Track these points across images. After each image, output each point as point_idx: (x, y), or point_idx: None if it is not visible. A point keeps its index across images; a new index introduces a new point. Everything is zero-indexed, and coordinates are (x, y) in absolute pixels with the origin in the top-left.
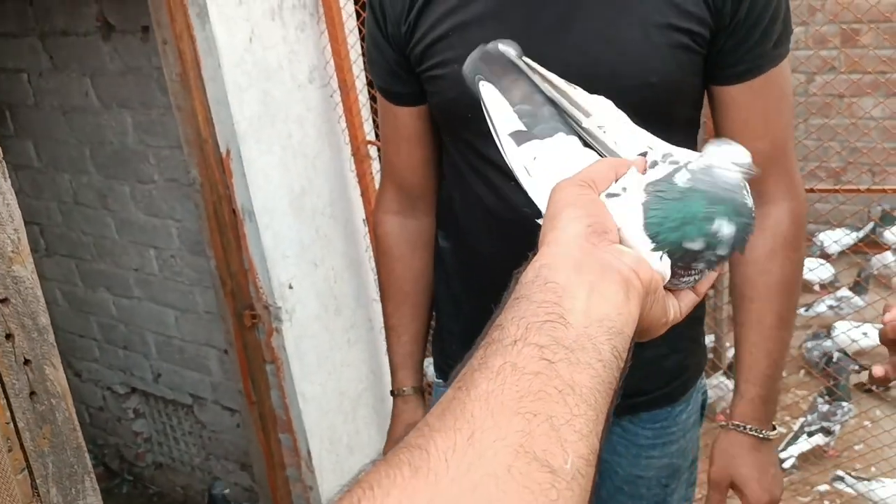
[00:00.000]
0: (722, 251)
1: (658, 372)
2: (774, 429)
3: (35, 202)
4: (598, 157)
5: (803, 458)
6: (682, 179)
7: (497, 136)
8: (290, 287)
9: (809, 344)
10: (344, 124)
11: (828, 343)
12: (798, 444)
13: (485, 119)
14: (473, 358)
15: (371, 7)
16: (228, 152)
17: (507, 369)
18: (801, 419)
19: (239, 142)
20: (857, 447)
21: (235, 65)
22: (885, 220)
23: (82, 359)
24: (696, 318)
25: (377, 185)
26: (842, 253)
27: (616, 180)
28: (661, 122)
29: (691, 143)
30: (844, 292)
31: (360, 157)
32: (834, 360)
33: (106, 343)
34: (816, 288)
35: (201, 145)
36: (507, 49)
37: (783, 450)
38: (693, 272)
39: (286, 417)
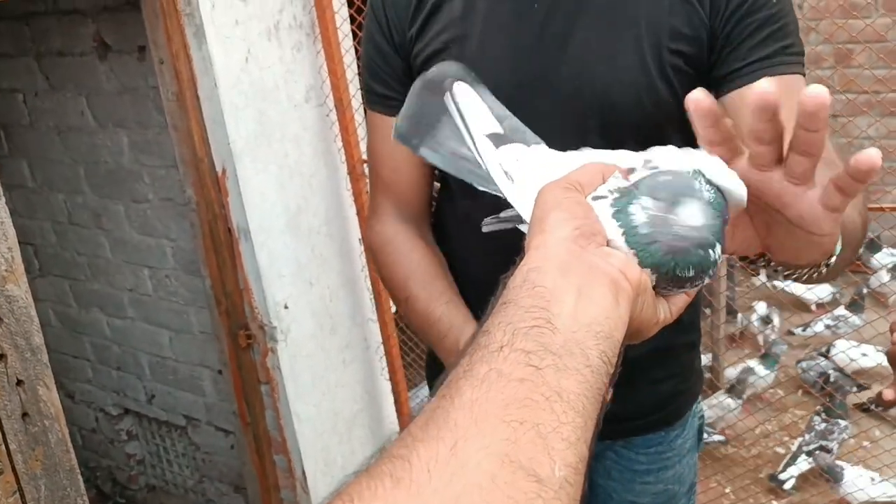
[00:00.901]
0: (712, 272)
1: (653, 396)
2: None
3: (29, 222)
4: (584, 160)
5: (803, 478)
6: (640, 220)
7: (471, 136)
8: (286, 307)
9: (806, 364)
10: (340, 143)
11: (825, 363)
12: (797, 464)
13: None
14: (459, 365)
15: (375, 17)
16: (224, 171)
17: (493, 376)
18: (800, 439)
19: (235, 161)
20: (856, 466)
21: (232, 84)
22: (873, 247)
23: (75, 380)
24: (691, 343)
25: None
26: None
27: (603, 183)
28: (657, 141)
29: None
30: (841, 311)
31: (355, 176)
32: (832, 379)
33: (99, 364)
34: (813, 307)
35: (197, 164)
36: (461, 71)
37: (782, 471)
38: (685, 288)
39: (281, 438)
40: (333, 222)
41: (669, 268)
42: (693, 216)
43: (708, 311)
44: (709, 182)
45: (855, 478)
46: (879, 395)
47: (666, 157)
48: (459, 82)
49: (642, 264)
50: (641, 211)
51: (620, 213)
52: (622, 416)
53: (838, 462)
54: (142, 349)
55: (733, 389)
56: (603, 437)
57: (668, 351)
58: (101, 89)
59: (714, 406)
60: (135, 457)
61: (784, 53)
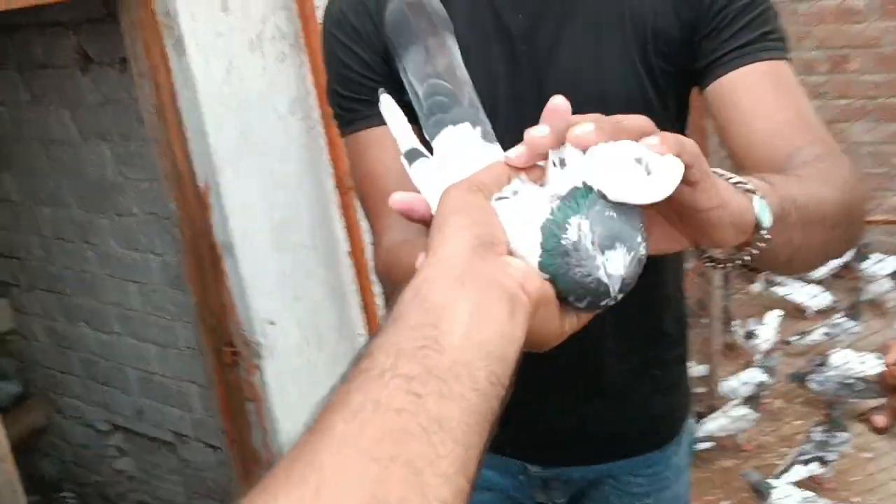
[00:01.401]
0: (614, 291)
1: (646, 414)
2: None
3: (15, 236)
4: (501, 153)
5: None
6: (568, 241)
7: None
8: (271, 323)
9: (818, 377)
10: (327, 155)
11: (832, 373)
12: (791, 472)
13: None
14: (335, 393)
15: (346, 30)
16: (207, 186)
17: (368, 407)
18: (797, 448)
19: (217, 175)
20: (854, 478)
21: (213, 97)
22: (860, 256)
23: (63, 395)
24: (679, 357)
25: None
26: (836, 277)
27: (508, 183)
28: None
29: None
30: (839, 319)
31: (344, 189)
32: (856, 389)
33: (87, 379)
34: (811, 315)
35: (179, 179)
36: (441, 7)
37: (775, 479)
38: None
39: (268, 456)
40: (319, 235)
41: (564, 289)
42: (617, 265)
43: (704, 321)
44: (644, 235)
45: (783, 497)
46: (872, 420)
47: (576, 155)
48: (385, 94)
49: (545, 269)
50: (576, 229)
51: (550, 232)
52: (617, 438)
53: (769, 480)
54: (129, 364)
55: (750, 400)
56: (600, 460)
57: (656, 366)
58: (84, 101)
59: (739, 418)
60: (125, 473)
61: (765, 39)
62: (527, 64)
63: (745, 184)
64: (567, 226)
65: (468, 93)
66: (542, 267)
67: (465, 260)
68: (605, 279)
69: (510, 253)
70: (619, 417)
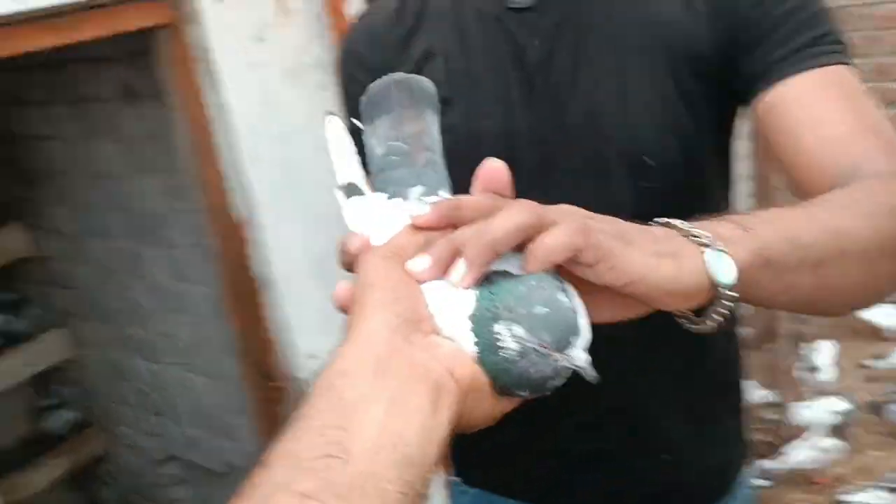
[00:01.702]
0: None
1: (698, 468)
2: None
3: (71, 267)
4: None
5: None
6: (508, 346)
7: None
8: (314, 357)
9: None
10: None
11: None
12: (866, 491)
13: None
14: None
15: (360, 63)
16: (246, 220)
17: None
18: (888, 473)
19: (256, 209)
20: None
21: (250, 130)
22: None
23: (119, 424)
24: (733, 407)
25: None
26: None
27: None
28: (688, 182)
29: (724, 194)
30: None
31: None
32: None
33: (142, 409)
34: (889, 336)
35: (217, 213)
36: (430, 87)
37: (847, 493)
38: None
39: None
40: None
41: (508, 386)
42: (580, 356)
43: (769, 345)
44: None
45: None
46: None
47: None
48: (333, 117)
49: (484, 368)
50: (510, 338)
51: (480, 327)
52: (663, 497)
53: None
54: (180, 395)
55: (836, 430)
56: None
57: (709, 417)
58: (130, 134)
59: (818, 448)
60: (181, 502)
61: (818, 44)
62: (544, 91)
63: (698, 237)
64: (498, 334)
65: (427, 155)
66: (482, 366)
67: (387, 342)
68: (575, 369)
69: (437, 331)
70: (667, 474)
